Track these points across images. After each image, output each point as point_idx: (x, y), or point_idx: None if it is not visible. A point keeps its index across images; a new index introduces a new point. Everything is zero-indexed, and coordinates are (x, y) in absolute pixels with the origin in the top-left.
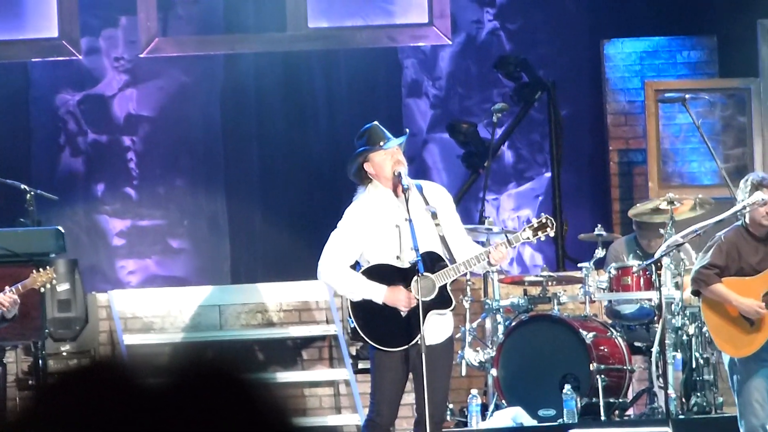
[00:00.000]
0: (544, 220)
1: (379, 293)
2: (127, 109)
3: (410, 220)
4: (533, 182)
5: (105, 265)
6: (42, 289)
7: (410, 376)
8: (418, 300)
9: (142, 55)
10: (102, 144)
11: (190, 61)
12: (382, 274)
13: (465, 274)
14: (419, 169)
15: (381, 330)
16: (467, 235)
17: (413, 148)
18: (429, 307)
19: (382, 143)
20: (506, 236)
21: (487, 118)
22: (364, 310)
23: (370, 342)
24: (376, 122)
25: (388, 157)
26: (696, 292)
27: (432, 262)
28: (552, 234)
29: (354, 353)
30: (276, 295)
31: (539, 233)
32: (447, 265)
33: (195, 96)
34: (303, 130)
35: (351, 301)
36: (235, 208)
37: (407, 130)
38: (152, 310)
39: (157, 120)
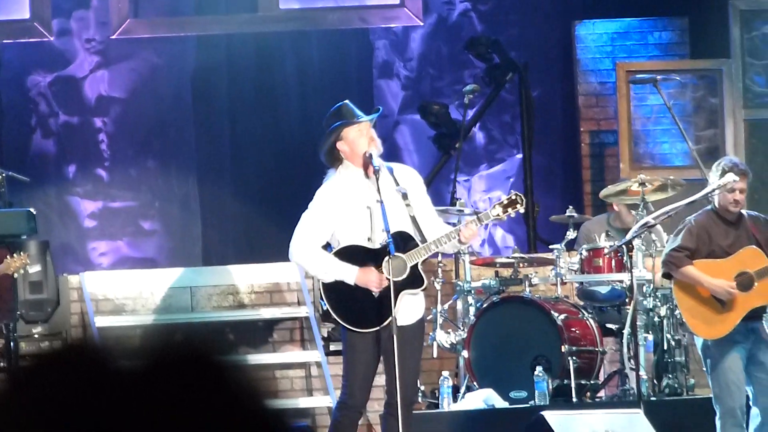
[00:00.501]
0: (513, 197)
1: (350, 274)
2: (98, 90)
3: (381, 202)
4: (504, 164)
5: (76, 247)
6: (15, 275)
7: (381, 357)
8: (389, 280)
9: (113, 37)
10: (73, 125)
11: (161, 42)
12: (353, 255)
13: (436, 254)
14: (390, 151)
15: (353, 311)
16: (438, 217)
17: (384, 130)
18: (401, 287)
19: (354, 119)
20: (476, 214)
21: (459, 100)
22: (335, 291)
23: (341, 323)
24: (347, 101)
25: (361, 134)
26: (667, 275)
27: (403, 241)
28: (522, 210)
29: (326, 335)
30: (247, 276)
31: (509, 210)
32: (418, 245)
33: (166, 77)
34: (274, 111)
35: (323, 283)
36: (207, 190)
37: (380, 108)
38: (124, 292)
39: (129, 101)
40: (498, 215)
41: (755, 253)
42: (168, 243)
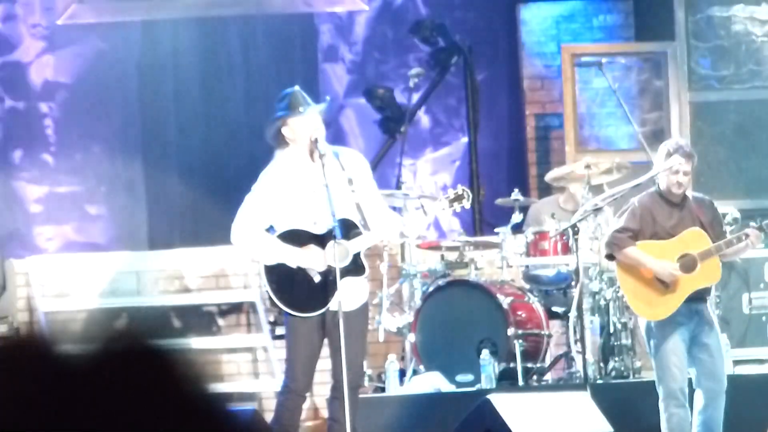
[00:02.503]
0: (460, 192)
1: (293, 256)
2: (44, 75)
3: (327, 186)
4: (450, 147)
5: (22, 232)
6: None
7: (326, 342)
8: (332, 266)
9: (59, 22)
10: (19, 111)
11: (107, 27)
12: (296, 239)
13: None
14: (336, 135)
15: (294, 295)
16: (384, 203)
17: (329, 114)
18: (342, 274)
19: (301, 109)
20: (422, 206)
21: (404, 83)
22: (277, 274)
23: (283, 307)
24: (297, 87)
25: (305, 123)
26: (610, 256)
27: (346, 229)
28: (467, 206)
29: (272, 319)
30: (194, 260)
31: (455, 204)
32: (361, 233)
33: (112, 62)
34: (220, 95)
35: (264, 266)
36: (152, 174)
37: (327, 98)
38: (70, 277)
39: (75, 86)
40: (443, 209)
41: (699, 234)
42: (114, 227)
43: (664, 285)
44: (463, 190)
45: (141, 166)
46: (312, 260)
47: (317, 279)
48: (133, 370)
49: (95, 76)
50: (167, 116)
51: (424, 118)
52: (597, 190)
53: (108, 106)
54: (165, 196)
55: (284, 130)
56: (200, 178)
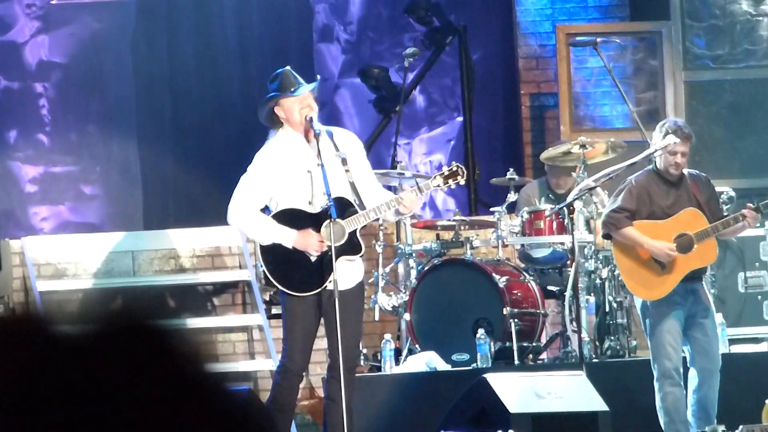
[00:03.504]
0: (455, 168)
1: (289, 237)
2: (39, 55)
3: (322, 165)
4: (445, 127)
5: (18, 212)
6: None
7: (322, 321)
8: (329, 245)
9: (53, 2)
10: (14, 91)
11: (101, 7)
12: (292, 218)
13: (376, 220)
14: (331, 115)
15: (291, 275)
16: (377, 182)
17: (325, 94)
18: (338, 253)
19: (292, 89)
20: (416, 183)
21: (399, 63)
22: (273, 254)
23: (279, 287)
24: (288, 67)
25: (297, 102)
26: (607, 236)
27: (342, 207)
28: (462, 182)
29: (267, 298)
30: (188, 240)
31: (450, 181)
32: (357, 212)
33: (107, 42)
34: (215, 75)
35: (260, 246)
36: (147, 154)
37: (318, 77)
38: (65, 257)
39: (69, 66)
40: (438, 185)
41: (695, 214)
42: (109, 207)
43: (660, 265)
44: (458, 166)
45: (136, 146)
46: (308, 244)
47: (313, 258)
48: (131, 348)
49: (90, 55)
50: (162, 95)
51: (419, 98)
52: (592, 169)
53: (103, 86)
54: (160, 176)
55: (277, 110)
56: (195, 158)
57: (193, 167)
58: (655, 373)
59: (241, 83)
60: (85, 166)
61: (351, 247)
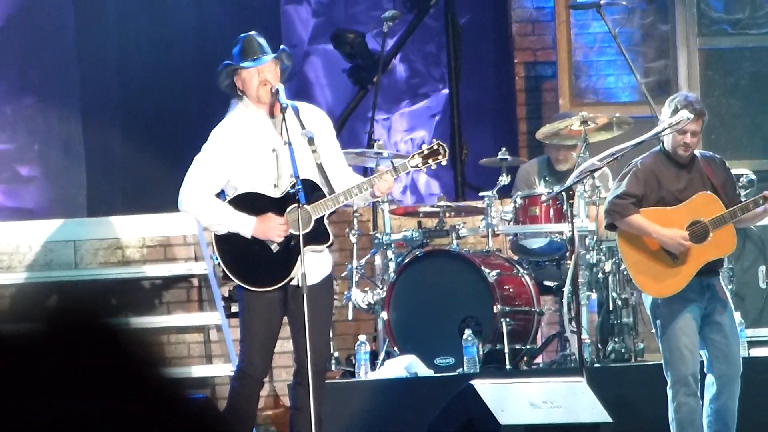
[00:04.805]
0: (435, 147)
1: (247, 225)
2: None
3: (290, 143)
4: (429, 100)
5: None
6: None
7: (286, 320)
8: (294, 233)
9: None
10: None
11: None
12: (251, 203)
13: (347, 206)
14: (300, 86)
15: (249, 267)
16: (347, 165)
17: (293, 62)
18: (303, 242)
19: (254, 57)
20: (392, 163)
21: (377, 28)
22: (230, 244)
23: (236, 281)
24: (253, 32)
25: (255, 74)
26: (611, 226)
27: (308, 191)
28: (444, 162)
29: (227, 295)
30: (138, 229)
31: (429, 161)
32: (325, 196)
33: (47, 4)
34: (169, 41)
35: (215, 234)
36: (92, 131)
37: (282, 46)
38: None
39: (4, 31)
40: (417, 166)
41: (710, 199)
42: (49, 191)
43: (672, 257)
44: (439, 144)
45: (79, 122)
46: (269, 229)
47: (275, 248)
48: (73, 350)
49: (28, 19)
50: (108, 65)
51: (399, 67)
52: (595, 148)
53: (42, 54)
54: (106, 156)
55: (236, 80)
56: (146, 136)
57: (144, 146)
58: (668, 381)
59: (198, 51)
60: (21, 144)
61: (318, 235)
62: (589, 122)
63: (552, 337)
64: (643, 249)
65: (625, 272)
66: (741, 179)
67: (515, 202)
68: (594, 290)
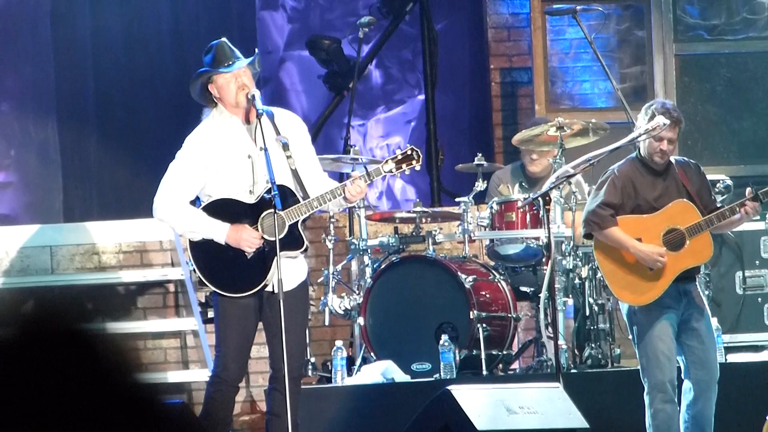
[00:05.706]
0: (409, 152)
1: (220, 232)
2: None
3: (266, 149)
4: (404, 106)
5: None
6: None
7: (261, 326)
8: (269, 239)
9: None
10: None
11: None
12: (225, 210)
13: (323, 212)
14: (275, 92)
15: (224, 273)
16: (323, 171)
17: (268, 68)
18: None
19: (228, 63)
20: (365, 168)
21: (353, 34)
22: (204, 250)
23: (211, 287)
24: (224, 39)
25: (232, 80)
26: (588, 235)
27: (283, 197)
28: (418, 167)
29: (203, 300)
30: (114, 234)
31: (403, 166)
32: (299, 201)
33: (22, 9)
34: (145, 46)
35: (189, 241)
36: (69, 136)
37: (257, 50)
38: None
39: None
40: (390, 171)
41: (686, 206)
42: (25, 197)
43: (648, 268)
44: (412, 149)
45: (55, 127)
46: (241, 239)
47: (250, 254)
48: (50, 356)
49: (3, 24)
50: (85, 69)
51: (375, 73)
52: (571, 154)
53: (18, 59)
54: (82, 161)
55: (210, 88)
56: (122, 142)
57: (120, 152)
58: (645, 387)
59: (174, 57)
60: None
61: (292, 240)
62: (565, 128)
63: (528, 343)
64: (619, 259)
65: (602, 278)
66: (717, 185)
67: (491, 207)
68: (570, 296)
